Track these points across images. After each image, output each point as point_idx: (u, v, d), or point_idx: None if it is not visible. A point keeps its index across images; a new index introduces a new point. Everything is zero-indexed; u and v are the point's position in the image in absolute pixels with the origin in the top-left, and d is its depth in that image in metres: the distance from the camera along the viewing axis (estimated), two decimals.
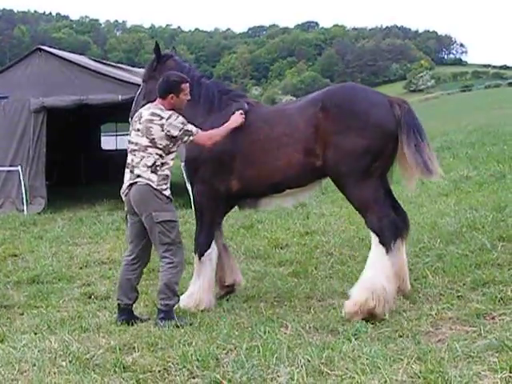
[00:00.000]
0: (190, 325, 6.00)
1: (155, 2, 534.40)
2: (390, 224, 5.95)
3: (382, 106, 6.05)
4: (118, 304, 6.45)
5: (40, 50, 15.99)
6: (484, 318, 5.52)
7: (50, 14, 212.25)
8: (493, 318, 5.49)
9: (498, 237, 7.99)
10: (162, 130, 6.11)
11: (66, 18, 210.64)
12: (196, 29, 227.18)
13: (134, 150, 6.25)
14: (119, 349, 5.32)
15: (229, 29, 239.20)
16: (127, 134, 24.56)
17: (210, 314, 6.45)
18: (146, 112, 6.27)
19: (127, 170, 6.30)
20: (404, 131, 5.94)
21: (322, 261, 8.32)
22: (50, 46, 17.96)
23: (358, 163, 5.91)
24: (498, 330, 5.06)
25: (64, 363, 5.05)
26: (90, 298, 7.50)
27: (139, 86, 14.98)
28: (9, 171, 15.41)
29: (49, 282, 8.28)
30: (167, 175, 6.23)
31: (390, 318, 5.74)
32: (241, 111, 6.46)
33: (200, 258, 6.71)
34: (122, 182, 6.34)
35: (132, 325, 6.18)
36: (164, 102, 6.27)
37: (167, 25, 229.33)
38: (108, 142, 25.27)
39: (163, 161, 6.19)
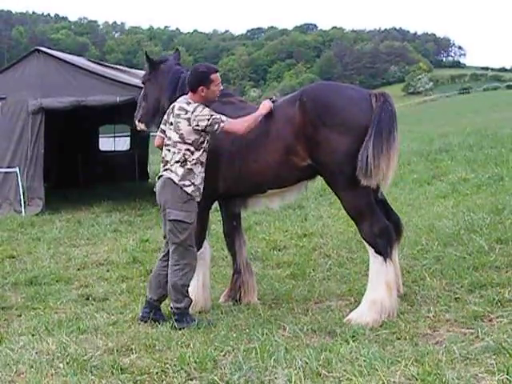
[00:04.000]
0: (213, 325, 5.98)
1: (154, 4, 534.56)
2: (382, 231, 5.89)
3: (360, 100, 5.92)
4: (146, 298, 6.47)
5: (38, 51, 15.98)
6: (482, 320, 5.52)
7: (49, 15, 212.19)
8: (490, 321, 5.49)
9: (496, 239, 7.99)
10: (189, 124, 5.99)
11: (65, 19, 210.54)
12: (194, 30, 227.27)
13: (168, 145, 6.19)
14: (117, 350, 5.32)
15: (227, 31, 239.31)
16: (125, 136, 24.41)
17: (207, 315, 6.46)
18: (177, 106, 6.18)
19: (161, 164, 6.29)
20: (372, 126, 5.71)
21: (320, 263, 8.33)
22: (49, 48, 17.96)
23: (343, 162, 5.81)
24: (495, 332, 5.06)
25: (61, 365, 5.05)
26: (87, 299, 7.50)
27: (137, 87, 15.13)
28: (7, 172, 15.40)
29: (46, 284, 8.28)
30: (193, 170, 6.06)
31: (387, 320, 5.74)
32: (268, 100, 6.31)
33: None
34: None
35: (130, 326, 6.18)
36: (195, 95, 6.12)
37: (166, 26, 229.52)
38: (106, 144, 25.23)
39: (193, 157, 6.06)
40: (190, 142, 6.03)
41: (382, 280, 5.85)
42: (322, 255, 8.74)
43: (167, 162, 6.16)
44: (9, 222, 13.54)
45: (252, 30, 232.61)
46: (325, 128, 5.87)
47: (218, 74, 6.18)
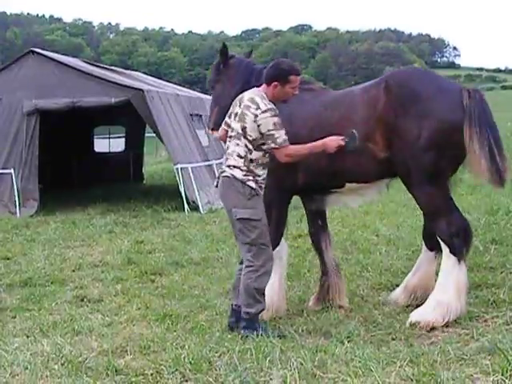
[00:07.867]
0: (279, 337, 5.49)
1: (148, 5, 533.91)
2: (460, 230, 5.59)
3: (450, 92, 5.62)
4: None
5: (33, 52, 15.95)
6: (477, 320, 5.54)
7: (44, 16, 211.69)
8: (485, 321, 5.51)
9: (491, 240, 8.01)
10: (255, 121, 5.56)
11: (60, 20, 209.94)
12: (189, 31, 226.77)
13: (231, 137, 5.80)
14: (111, 352, 5.31)
15: (222, 32, 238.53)
16: (120, 137, 24.40)
17: (202, 317, 6.44)
18: (247, 96, 5.74)
19: (224, 158, 5.96)
20: (474, 125, 5.42)
21: (315, 264, 8.30)
22: (43, 49, 17.90)
23: (423, 155, 5.53)
24: (490, 333, 5.08)
25: (56, 366, 5.03)
26: (82, 300, 7.48)
27: (132, 88, 15.11)
28: (1, 174, 15.33)
29: (41, 285, 8.25)
30: (253, 170, 5.65)
31: (382, 320, 5.75)
32: (343, 138, 5.58)
33: None
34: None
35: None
36: (268, 89, 5.69)
37: (160, 27, 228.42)
38: (101, 145, 25.21)
39: (251, 157, 5.64)
40: (250, 138, 5.62)
41: (452, 281, 5.57)
42: (316, 256, 8.71)
43: (229, 154, 5.78)
44: (3, 224, 13.49)
45: (247, 30, 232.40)
46: (407, 117, 5.59)
47: (298, 77, 5.71)
